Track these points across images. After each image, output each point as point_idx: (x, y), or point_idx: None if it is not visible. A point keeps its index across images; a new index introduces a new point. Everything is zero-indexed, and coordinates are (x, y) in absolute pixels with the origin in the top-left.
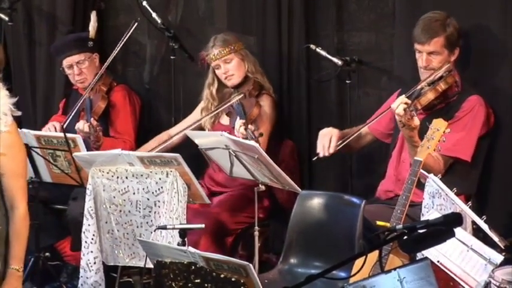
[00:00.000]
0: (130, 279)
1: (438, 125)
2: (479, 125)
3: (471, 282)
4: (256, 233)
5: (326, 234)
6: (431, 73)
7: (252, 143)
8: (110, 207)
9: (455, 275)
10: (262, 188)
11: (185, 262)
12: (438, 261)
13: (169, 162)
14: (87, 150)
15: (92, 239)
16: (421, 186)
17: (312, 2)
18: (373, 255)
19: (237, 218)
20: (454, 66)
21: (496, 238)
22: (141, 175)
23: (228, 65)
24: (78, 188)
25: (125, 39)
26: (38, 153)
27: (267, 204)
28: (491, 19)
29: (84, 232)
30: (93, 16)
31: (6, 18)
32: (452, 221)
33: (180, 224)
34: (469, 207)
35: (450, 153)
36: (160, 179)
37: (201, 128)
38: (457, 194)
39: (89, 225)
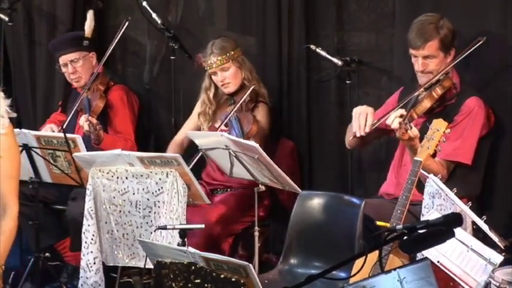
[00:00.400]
0: (131, 280)
1: (438, 125)
2: (479, 127)
3: (471, 283)
4: (256, 233)
5: (326, 234)
6: (429, 78)
7: (252, 143)
8: (109, 207)
9: (455, 275)
10: (262, 188)
11: (185, 262)
12: (438, 262)
13: (169, 163)
14: (87, 150)
15: (92, 239)
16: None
17: (312, 2)
18: (373, 256)
19: (236, 218)
20: (451, 67)
21: (496, 238)
22: (141, 175)
23: (225, 73)
24: (78, 188)
25: (117, 39)
26: (38, 154)
27: (268, 203)
28: (491, 19)
29: (84, 232)
30: (90, 15)
31: (6, 19)
32: (452, 221)
33: (180, 224)
34: (469, 208)
35: (451, 157)
36: (160, 179)
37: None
38: (460, 197)
39: (88, 225)
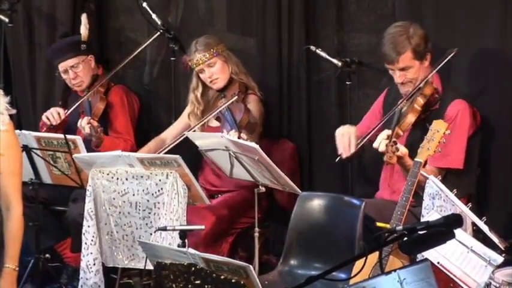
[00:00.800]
0: (131, 281)
1: (438, 126)
2: (466, 129)
3: (471, 284)
4: (256, 234)
5: (326, 235)
6: (410, 87)
7: (253, 144)
8: (109, 208)
9: (455, 276)
10: (262, 189)
11: (185, 263)
12: (438, 263)
13: (170, 164)
14: (87, 151)
15: (92, 240)
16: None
17: (311, 3)
18: (373, 257)
19: (235, 220)
20: (430, 71)
21: (496, 239)
22: (141, 176)
23: (212, 69)
24: (78, 189)
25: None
26: (38, 155)
27: (265, 204)
28: (491, 19)
29: (83, 233)
30: (84, 18)
31: (6, 20)
32: (452, 222)
33: (180, 225)
34: (469, 209)
35: (442, 165)
36: (160, 180)
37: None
38: (457, 197)
39: (88, 226)
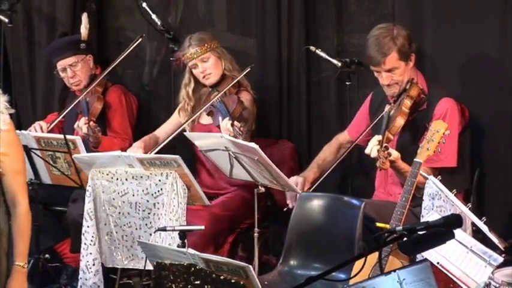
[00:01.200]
0: (130, 281)
1: (438, 126)
2: (456, 127)
3: (471, 284)
4: (256, 235)
5: (326, 235)
6: (396, 89)
7: (253, 144)
8: (109, 209)
9: (455, 276)
10: (262, 189)
11: (185, 264)
12: (438, 263)
13: (169, 164)
14: (87, 151)
15: (91, 240)
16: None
17: (311, 4)
18: (373, 257)
19: (233, 220)
20: (415, 72)
21: (495, 239)
22: (141, 177)
23: (205, 64)
24: (78, 189)
25: (125, 53)
26: (37, 155)
27: (264, 205)
28: (491, 19)
29: (83, 234)
30: (84, 18)
31: (6, 20)
32: (452, 222)
33: (180, 225)
34: (469, 209)
35: (436, 164)
36: (160, 180)
37: (182, 130)
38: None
39: (88, 226)
